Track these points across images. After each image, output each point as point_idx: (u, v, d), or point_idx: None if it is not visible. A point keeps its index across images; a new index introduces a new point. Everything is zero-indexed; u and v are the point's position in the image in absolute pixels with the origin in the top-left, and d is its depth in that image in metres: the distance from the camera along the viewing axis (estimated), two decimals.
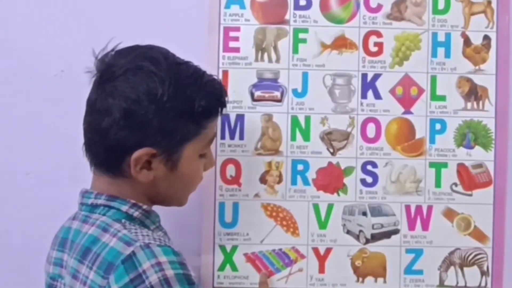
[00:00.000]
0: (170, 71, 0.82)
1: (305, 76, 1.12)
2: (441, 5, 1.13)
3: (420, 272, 1.12)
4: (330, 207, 1.12)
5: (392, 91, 1.13)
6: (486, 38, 1.13)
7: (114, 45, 0.85)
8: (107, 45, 0.85)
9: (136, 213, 0.85)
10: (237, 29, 1.12)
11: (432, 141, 1.13)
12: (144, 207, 0.86)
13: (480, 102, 1.13)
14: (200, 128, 0.85)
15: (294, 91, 1.12)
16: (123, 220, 0.83)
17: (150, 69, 0.81)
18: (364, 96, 1.13)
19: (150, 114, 0.80)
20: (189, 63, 0.87)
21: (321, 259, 1.12)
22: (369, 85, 1.13)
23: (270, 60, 1.12)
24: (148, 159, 0.82)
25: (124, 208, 0.84)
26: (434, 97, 1.13)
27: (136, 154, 0.81)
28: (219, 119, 0.92)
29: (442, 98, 1.13)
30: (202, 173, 0.92)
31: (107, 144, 0.82)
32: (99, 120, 0.82)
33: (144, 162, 0.82)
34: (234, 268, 1.12)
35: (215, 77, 0.89)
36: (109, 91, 0.81)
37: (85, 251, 0.80)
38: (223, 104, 0.89)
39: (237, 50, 1.12)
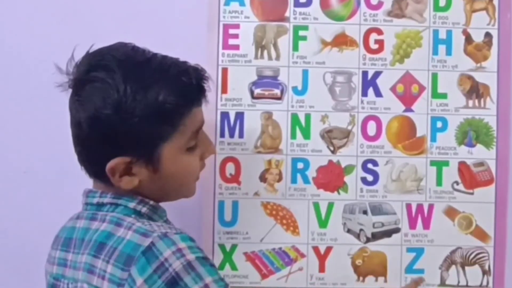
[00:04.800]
0: (127, 76, 0.78)
1: (305, 73, 1.11)
2: (442, 2, 1.12)
3: (421, 271, 1.12)
4: (330, 205, 1.11)
5: (393, 89, 1.12)
6: (488, 35, 1.13)
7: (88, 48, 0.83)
8: (72, 54, 0.83)
9: (144, 209, 0.84)
10: (237, 26, 1.11)
11: (433, 139, 1.12)
12: (151, 202, 0.85)
13: (482, 100, 1.12)
14: (176, 126, 0.81)
15: (294, 89, 1.12)
16: (132, 215, 0.82)
17: (104, 79, 0.78)
18: (364, 93, 1.12)
19: (114, 124, 0.78)
20: (154, 58, 0.82)
21: (321, 258, 1.11)
22: (369, 82, 1.12)
23: (270, 58, 1.11)
24: (126, 167, 0.80)
25: (132, 204, 0.83)
26: (435, 94, 1.12)
27: (110, 164, 0.79)
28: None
29: (443, 95, 1.12)
30: (197, 164, 0.89)
31: (86, 155, 0.82)
32: (76, 131, 0.82)
33: (123, 170, 0.80)
34: (233, 267, 1.11)
35: (189, 65, 0.83)
36: (76, 104, 0.80)
37: (100, 246, 0.79)
38: (196, 96, 0.84)
39: (236, 47, 1.11)
